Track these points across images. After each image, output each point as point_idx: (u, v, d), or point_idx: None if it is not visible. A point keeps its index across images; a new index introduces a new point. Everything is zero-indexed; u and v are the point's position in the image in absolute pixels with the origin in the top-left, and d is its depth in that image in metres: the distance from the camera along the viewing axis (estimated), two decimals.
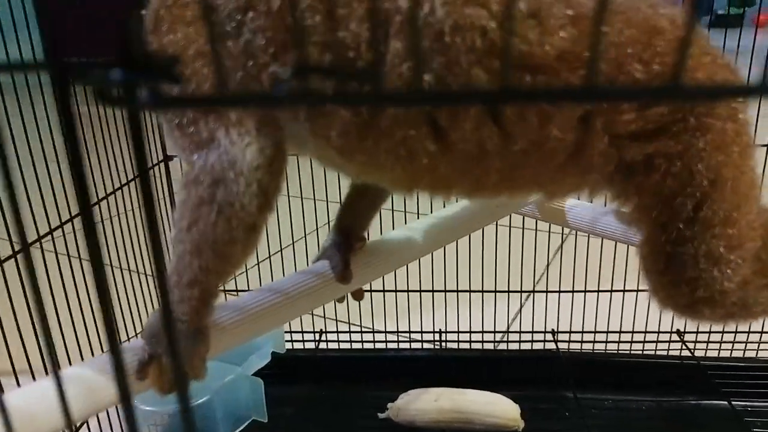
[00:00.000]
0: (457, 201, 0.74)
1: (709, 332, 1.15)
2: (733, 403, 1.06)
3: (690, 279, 0.49)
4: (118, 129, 0.98)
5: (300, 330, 1.22)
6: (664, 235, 0.47)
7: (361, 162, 0.46)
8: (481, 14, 0.38)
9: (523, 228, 1.17)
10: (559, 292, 1.18)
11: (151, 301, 1.10)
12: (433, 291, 1.19)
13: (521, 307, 1.32)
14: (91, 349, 0.87)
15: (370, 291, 1.18)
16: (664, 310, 0.54)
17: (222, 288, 0.48)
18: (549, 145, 0.43)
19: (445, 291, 1.18)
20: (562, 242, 1.36)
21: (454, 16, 0.38)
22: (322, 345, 1.22)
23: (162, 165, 1.12)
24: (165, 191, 1.11)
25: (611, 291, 1.16)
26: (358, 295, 0.63)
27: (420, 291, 1.19)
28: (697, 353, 1.15)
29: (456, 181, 0.47)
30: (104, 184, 1.02)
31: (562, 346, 1.20)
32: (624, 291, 1.15)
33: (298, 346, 1.22)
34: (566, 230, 1.25)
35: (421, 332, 1.22)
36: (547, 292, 1.19)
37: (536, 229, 1.14)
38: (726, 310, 0.51)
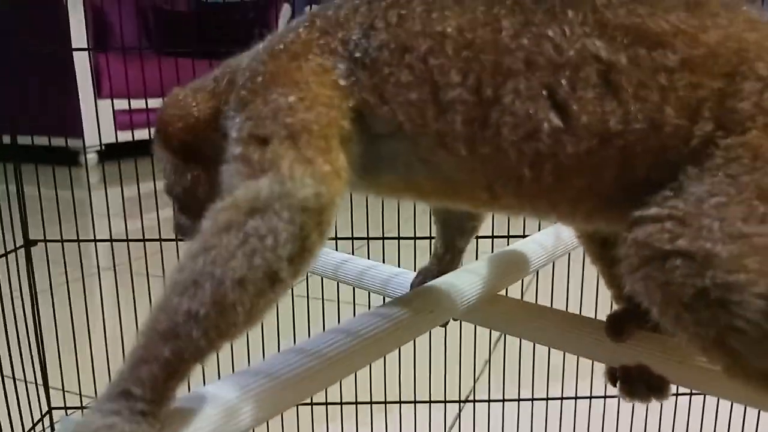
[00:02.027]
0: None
1: None
2: None
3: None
4: None
5: None
6: None
7: (475, 158, 0.42)
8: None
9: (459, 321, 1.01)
10: (503, 401, 1.02)
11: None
12: (356, 403, 1.01)
13: (459, 413, 1.14)
14: None
15: None
16: (675, 330, 0.39)
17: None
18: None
19: (371, 403, 1.00)
20: (504, 337, 1.21)
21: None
22: None
23: (23, 250, 0.92)
24: (25, 280, 0.91)
25: (561, 399, 1.01)
26: None
27: (341, 403, 1.00)
28: None
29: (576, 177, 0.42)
30: None
31: None
32: (576, 398, 1.00)
33: None
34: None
35: None
36: (489, 401, 1.03)
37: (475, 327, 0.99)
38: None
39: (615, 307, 0.56)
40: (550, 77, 0.39)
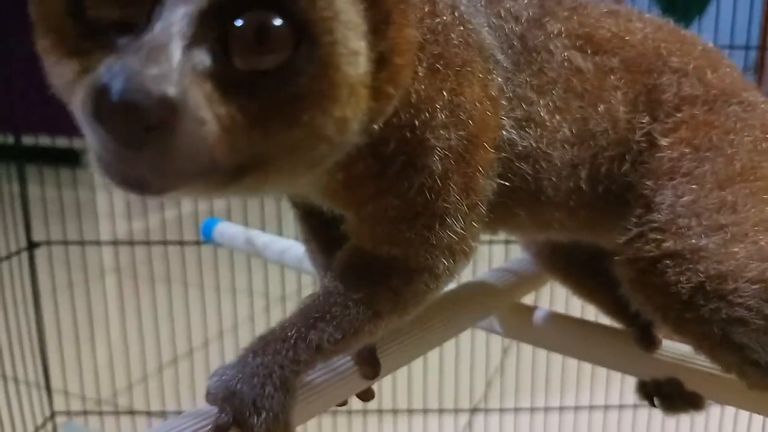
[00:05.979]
0: None
1: None
2: None
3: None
4: None
5: None
6: None
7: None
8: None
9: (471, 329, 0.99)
10: (515, 410, 1.00)
11: None
12: (365, 411, 0.99)
13: (470, 423, 1.12)
14: None
15: None
16: (681, 335, 0.41)
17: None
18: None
19: (380, 411, 0.98)
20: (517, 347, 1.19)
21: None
22: None
23: (25, 253, 0.90)
24: (28, 283, 0.89)
25: (575, 408, 0.99)
26: (367, 396, 0.50)
27: (349, 412, 0.98)
28: None
29: None
30: None
31: None
32: (590, 407, 0.98)
33: None
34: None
35: None
36: (500, 410, 1.00)
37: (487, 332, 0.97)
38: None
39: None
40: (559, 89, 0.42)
